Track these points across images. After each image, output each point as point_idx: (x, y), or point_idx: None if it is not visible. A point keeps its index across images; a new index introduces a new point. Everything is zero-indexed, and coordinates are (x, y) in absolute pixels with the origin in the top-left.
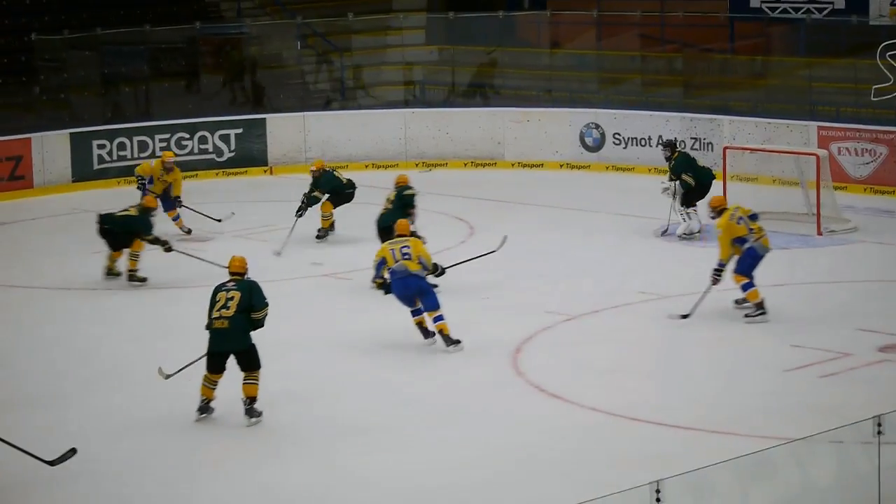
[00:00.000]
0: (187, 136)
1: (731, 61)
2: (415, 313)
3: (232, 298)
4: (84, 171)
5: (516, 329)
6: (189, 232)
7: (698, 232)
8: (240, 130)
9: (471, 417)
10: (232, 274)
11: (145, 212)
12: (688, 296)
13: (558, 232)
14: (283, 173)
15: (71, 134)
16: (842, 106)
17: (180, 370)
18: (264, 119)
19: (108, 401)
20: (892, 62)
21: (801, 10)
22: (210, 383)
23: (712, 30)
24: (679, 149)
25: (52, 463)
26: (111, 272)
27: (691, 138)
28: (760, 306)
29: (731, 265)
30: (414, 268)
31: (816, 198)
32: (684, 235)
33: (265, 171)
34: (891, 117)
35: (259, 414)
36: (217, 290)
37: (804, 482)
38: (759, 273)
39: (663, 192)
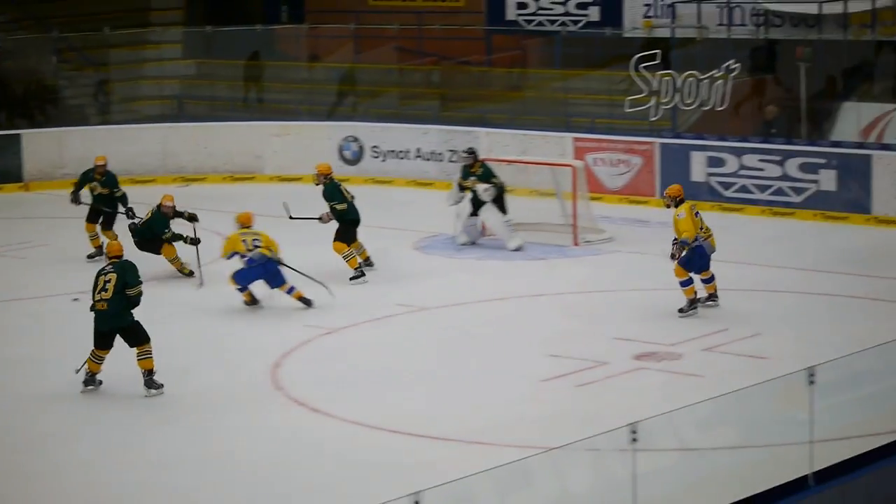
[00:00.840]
0: None
1: (489, 74)
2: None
3: (109, 281)
4: None
5: (275, 343)
6: None
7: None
8: None
9: (229, 432)
10: (110, 258)
11: (157, 210)
12: (449, 307)
13: (318, 245)
14: (39, 189)
15: None
16: (597, 117)
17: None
18: (19, 135)
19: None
20: (646, 74)
21: (557, 23)
22: (96, 358)
23: (469, 42)
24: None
25: None
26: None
27: (448, 150)
28: (693, 303)
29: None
30: (269, 254)
31: (573, 208)
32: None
33: (21, 188)
34: (645, 128)
35: (160, 386)
36: (98, 274)
37: (561, 490)
38: (516, 283)
39: (483, 191)
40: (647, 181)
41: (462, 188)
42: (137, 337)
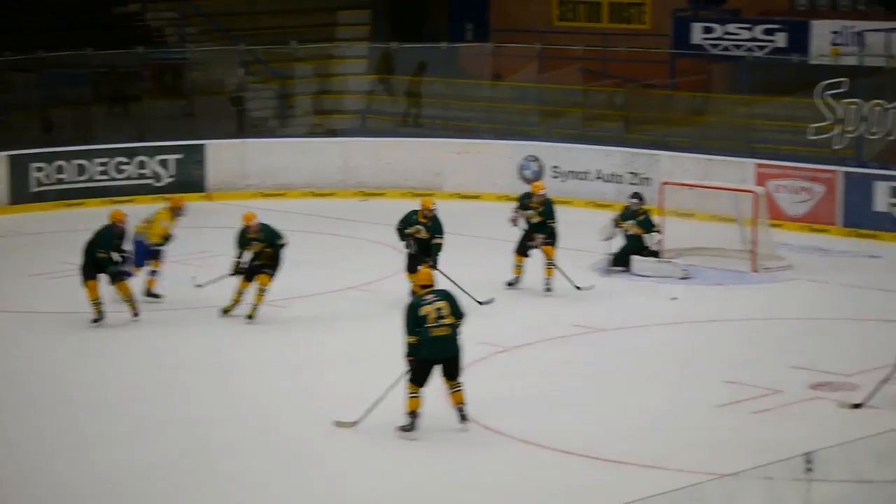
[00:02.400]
0: (126, 160)
1: (672, 97)
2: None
3: (441, 309)
4: (21, 194)
5: None
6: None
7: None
8: (180, 156)
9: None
10: (423, 287)
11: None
12: (625, 329)
13: (498, 261)
14: (222, 200)
15: (9, 156)
16: (780, 144)
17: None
18: (203, 145)
19: None
20: (831, 101)
21: (743, 48)
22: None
23: (654, 66)
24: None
25: None
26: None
27: (630, 173)
28: None
29: None
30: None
31: (752, 234)
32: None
33: (203, 197)
34: (828, 156)
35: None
36: (415, 306)
37: None
38: (693, 308)
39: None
40: (829, 209)
41: (617, 225)
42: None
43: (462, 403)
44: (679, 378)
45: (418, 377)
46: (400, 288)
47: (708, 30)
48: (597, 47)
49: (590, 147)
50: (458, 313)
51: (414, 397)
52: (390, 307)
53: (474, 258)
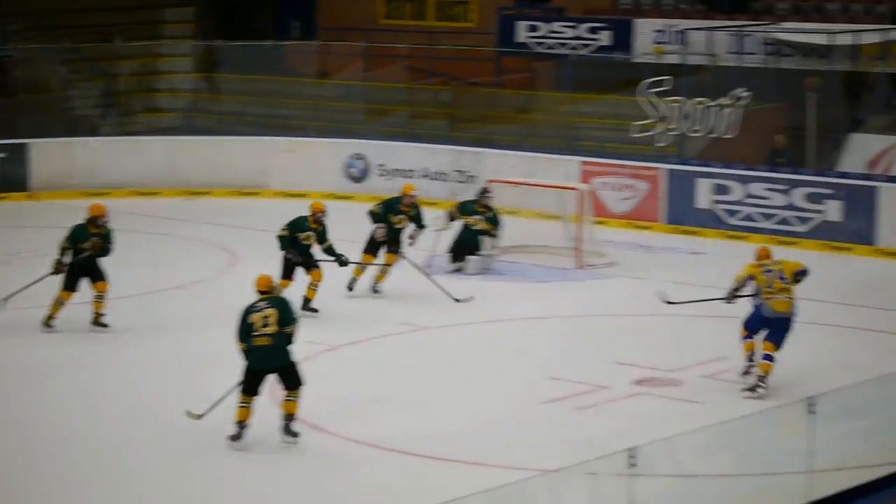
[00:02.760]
0: None
1: (497, 95)
2: None
3: (269, 316)
4: None
5: None
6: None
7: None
8: (3, 155)
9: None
10: (261, 292)
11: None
12: (450, 327)
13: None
14: (46, 199)
15: None
16: (604, 142)
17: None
18: (27, 144)
19: None
20: (654, 99)
21: (567, 47)
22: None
23: (479, 63)
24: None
25: None
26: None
27: (456, 171)
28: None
29: None
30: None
31: (577, 232)
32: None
33: (27, 196)
34: (651, 154)
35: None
36: (248, 311)
37: None
38: (518, 306)
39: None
40: (652, 207)
41: (453, 218)
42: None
43: (290, 414)
44: (504, 375)
45: (245, 386)
46: (226, 287)
47: (533, 28)
48: (422, 45)
49: (416, 145)
50: (286, 321)
51: (242, 406)
52: (216, 307)
53: None
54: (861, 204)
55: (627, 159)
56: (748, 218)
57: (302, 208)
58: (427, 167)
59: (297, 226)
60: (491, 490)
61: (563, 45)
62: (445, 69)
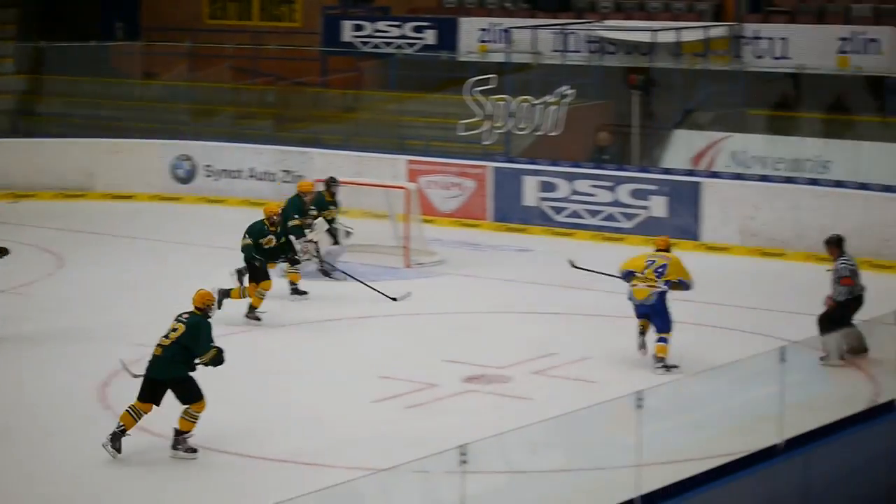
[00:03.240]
0: None
1: (324, 94)
2: None
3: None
4: None
5: (102, 362)
6: None
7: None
8: None
9: (59, 453)
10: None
11: None
12: (277, 328)
13: (151, 264)
14: None
15: None
16: (431, 140)
17: None
18: None
19: None
20: (480, 98)
21: (392, 46)
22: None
23: (305, 63)
24: None
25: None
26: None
27: (283, 171)
28: None
29: None
30: None
31: (405, 230)
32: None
33: None
34: (478, 152)
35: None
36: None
37: None
38: (346, 306)
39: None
40: (479, 205)
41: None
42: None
43: (178, 429)
44: (334, 375)
45: (141, 392)
46: (52, 290)
47: (358, 28)
48: (248, 45)
49: (242, 145)
50: (185, 342)
51: (127, 412)
52: (43, 310)
53: (127, 259)
54: (685, 199)
55: (454, 158)
56: (574, 215)
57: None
58: (254, 167)
59: (257, 232)
60: (322, 490)
61: (388, 44)
62: (271, 69)
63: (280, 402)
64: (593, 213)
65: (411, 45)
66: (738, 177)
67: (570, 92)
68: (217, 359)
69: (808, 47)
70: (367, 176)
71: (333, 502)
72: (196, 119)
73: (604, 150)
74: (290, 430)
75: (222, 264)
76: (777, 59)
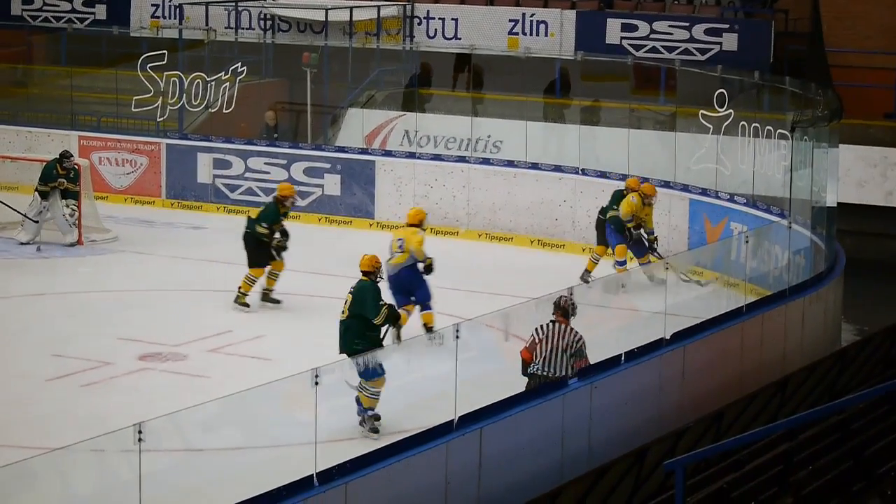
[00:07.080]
0: None
1: None
2: None
3: None
4: None
5: None
6: None
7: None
8: None
9: None
10: None
11: None
12: None
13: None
14: None
15: None
16: (104, 116)
17: None
18: None
19: None
20: (153, 74)
21: (63, 20)
22: None
23: None
24: None
25: None
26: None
27: None
28: None
29: None
30: None
31: (78, 207)
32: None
33: None
34: (152, 129)
35: None
36: None
37: (65, 492)
38: (18, 281)
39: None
40: (154, 182)
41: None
42: None
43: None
44: (5, 353)
45: None
46: None
47: (28, 1)
48: None
49: None
50: (355, 311)
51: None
52: None
53: None
54: (359, 178)
55: (127, 134)
56: (249, 192)
57: None
58: None
59: (271, 217)
60: None
61: (58, 18)
62: None
63: None
64: (268, 192)
65: (82, 20)
66: (411, 155)
67: (241, 69)
68: (392, 315)
69: (478, 28)
70: (38, 151)
71: (5, 483)
72: None
73: (271, 129)
74: None
75: None
76: (448, 39)
